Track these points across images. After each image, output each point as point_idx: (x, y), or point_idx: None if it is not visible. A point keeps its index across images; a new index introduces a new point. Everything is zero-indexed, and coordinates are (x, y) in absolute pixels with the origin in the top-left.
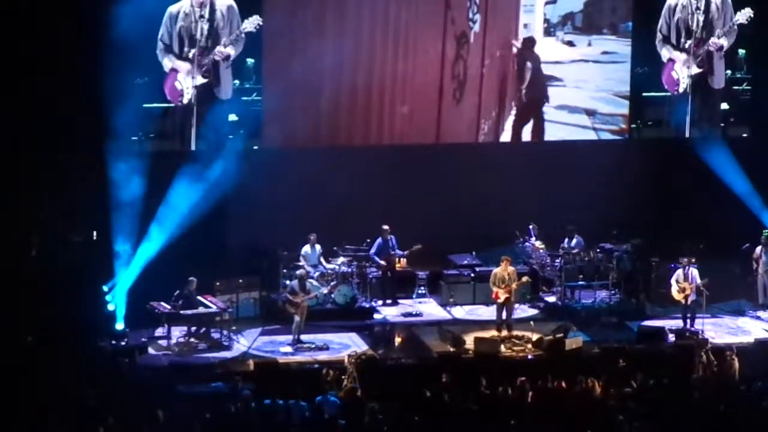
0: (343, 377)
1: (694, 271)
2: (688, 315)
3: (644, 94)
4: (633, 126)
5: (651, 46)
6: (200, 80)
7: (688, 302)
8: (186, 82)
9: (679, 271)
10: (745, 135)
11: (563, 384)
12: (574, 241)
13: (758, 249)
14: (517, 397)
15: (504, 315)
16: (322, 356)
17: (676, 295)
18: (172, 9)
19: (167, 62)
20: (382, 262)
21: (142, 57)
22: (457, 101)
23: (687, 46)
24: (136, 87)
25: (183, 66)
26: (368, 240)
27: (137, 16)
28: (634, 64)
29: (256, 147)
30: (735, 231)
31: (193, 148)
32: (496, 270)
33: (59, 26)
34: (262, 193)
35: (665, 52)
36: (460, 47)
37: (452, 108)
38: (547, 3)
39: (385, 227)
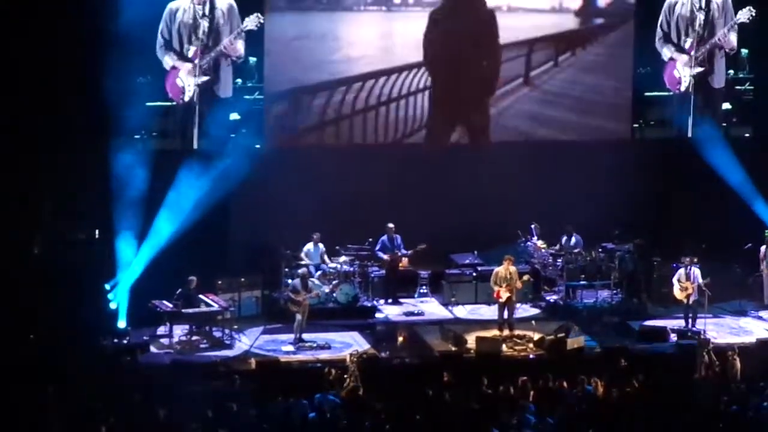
0: (345, 376)
1: (696, 271)
2: (690, 315)
3: (646, 93)
4: (635, 126)
5: (653, 45)
6: (202, 78)
7: (690, 302)
8: (187, 80)
9: (681, 271)
10: (747, 135)
11: (564, 384)
12: (573, 240)
13: (763, 248)
14: (518, 396)
15: (506, 314)
16: (324, 355)
17: (678, 294)
18: (172, 5)
19: (168, 60)
20: (386, 257)
21: (145, 55)
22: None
23: (687, 45)
24: (138, 85)
25: (184, 64)
26: (371, 239)
27: (140, 14)
28: (636, 64)
29: (258, 146)
30: (737, 231)
31: (195, 146)
32: (498, 269)
33: (61, 24)
34: (264, 192)
35: (666, 51)
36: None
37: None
38: None
39: (390, 225)
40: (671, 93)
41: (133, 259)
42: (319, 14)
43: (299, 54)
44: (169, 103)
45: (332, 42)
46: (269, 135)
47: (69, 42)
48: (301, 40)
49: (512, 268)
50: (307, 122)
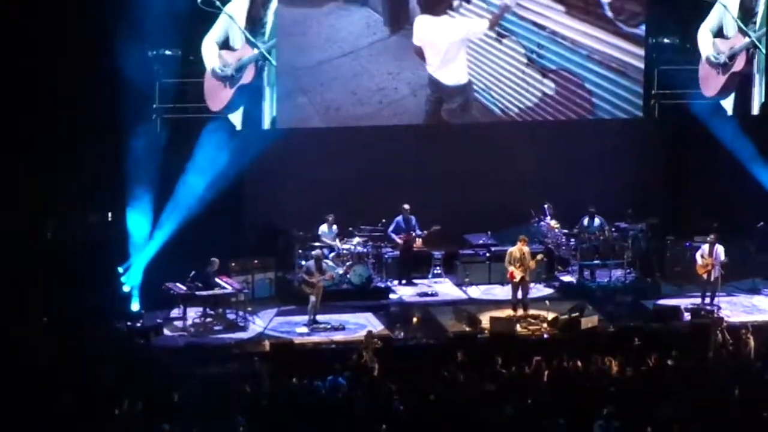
0: (364, 355)
1: (719, 248)
2: (708, 293)
3: (662, 67)
4: (651, 103)
5: (668, 16)
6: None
7: (711, 278)
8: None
9: (705, 246)
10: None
11: (578, 363)
12: (597, 221)
13: None
14: (532, 376)
15: (519, 294)
16: (338, 336)
17: (699, 270)
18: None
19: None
20: (399, 240)
21: (160, 30)
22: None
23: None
24: (153, 65)
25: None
26: (384, 220)
27: None
28: (648, 36)
29: (272, 127)
30: (750, 209)
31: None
32: (512, 249)
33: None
34: (277, 174)
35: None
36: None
37: None
38: None
39: (406, 206)
40: (686, 68)
41: (146, 242)
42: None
43: (303, 40)
44: (183, 80)
45: (327, 30)
46: (282, 116)
47: (81, 19)
48: (303, 27)
49: (525, 248)
50: (319, 104)
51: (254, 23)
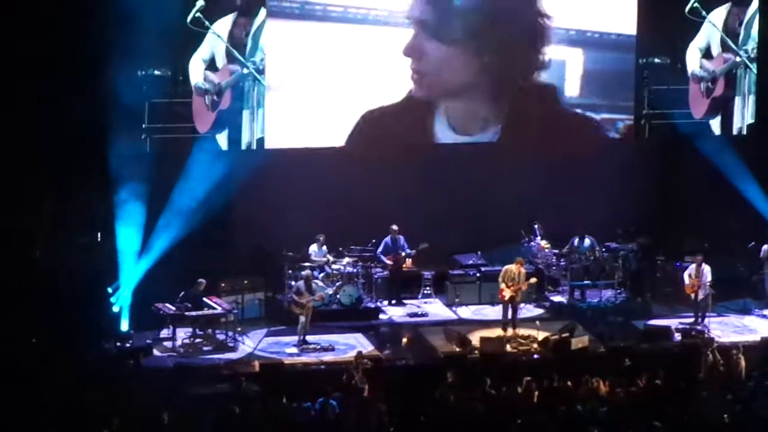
0: (354, 376)
1: (706, 268)
2: (699, 313)
3: (652, 87)
4: (641, 123)
5: (659, 36)
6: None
7: (698, 298)
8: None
9: (693, 266)
10: (750, 132)
11: (569, 383)
12: (587, 241)
13: (765, 247)
14: (523, 396)
15: (509, 314)
16: (328, 357)
17: (688, 290)
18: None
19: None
20: (389, 262)
21: (148, 51)
22: None
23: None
24: (142, 85)
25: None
26: (374, 240)
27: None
28: (639, 56)
29: (260, 147)
30: (740, 229)
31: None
32: (509, 267)
33: (62, 22)
34: (267, 194)
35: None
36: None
37: None
38: None
39: (394, 227)
40: (677, 87)
41: (135, 262)
42: (307, 23)
43: (291, 61)
44: (172, 101)
45: (322, 50)
46: (271, 137)
47: (71, 37)
48: (297, 46)
49: (522, 269)
50: (306, 127)
51: (237, 43)
